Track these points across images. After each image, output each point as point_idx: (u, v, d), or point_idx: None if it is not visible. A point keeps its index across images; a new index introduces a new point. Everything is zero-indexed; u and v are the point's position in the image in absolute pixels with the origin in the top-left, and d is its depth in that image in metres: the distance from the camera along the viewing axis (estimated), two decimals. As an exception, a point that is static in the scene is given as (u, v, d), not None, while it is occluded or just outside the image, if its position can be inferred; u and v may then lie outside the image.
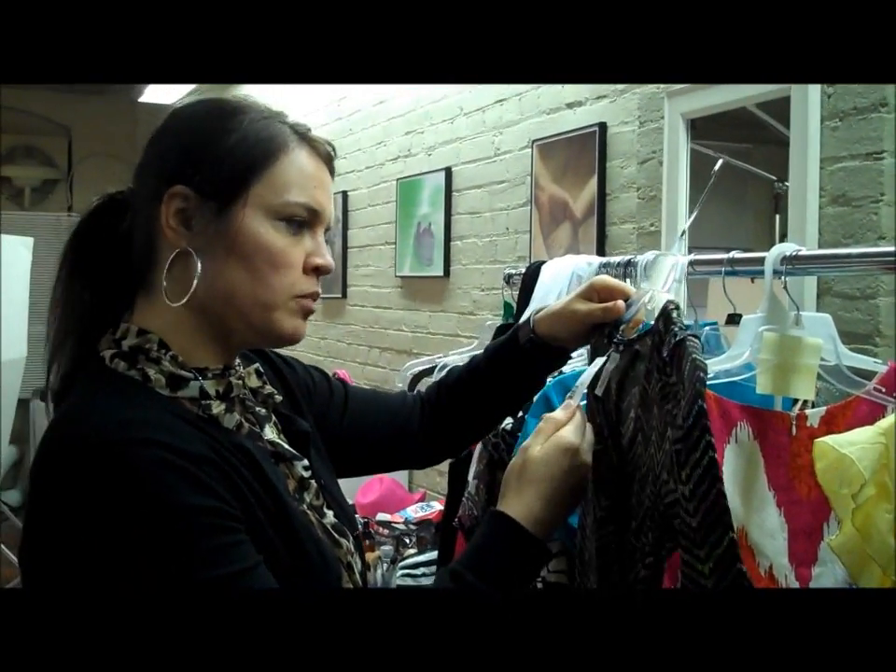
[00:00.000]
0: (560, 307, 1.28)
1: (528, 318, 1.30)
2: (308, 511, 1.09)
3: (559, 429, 1.10)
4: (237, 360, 1.11)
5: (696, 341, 1.04)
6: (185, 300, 1.00)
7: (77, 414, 0.96)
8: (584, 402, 1.16)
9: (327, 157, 1.08)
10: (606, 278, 1.28)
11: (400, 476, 3.75)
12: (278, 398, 1.14)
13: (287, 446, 1.10)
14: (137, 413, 0.93)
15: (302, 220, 1.04)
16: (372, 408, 1.34)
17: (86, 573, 0.89)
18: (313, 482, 1.11)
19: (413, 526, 2.96)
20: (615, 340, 1.18)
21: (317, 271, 1.05)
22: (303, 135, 1.06)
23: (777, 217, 2.21)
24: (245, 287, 1.01)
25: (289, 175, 1.03)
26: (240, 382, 1.07)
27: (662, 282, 1.24)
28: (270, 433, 1.09)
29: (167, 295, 1.01)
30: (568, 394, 1.15)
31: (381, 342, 4.10)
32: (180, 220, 1.01)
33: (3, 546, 4.80)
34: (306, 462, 1.11)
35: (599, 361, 1.18)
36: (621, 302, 1.22)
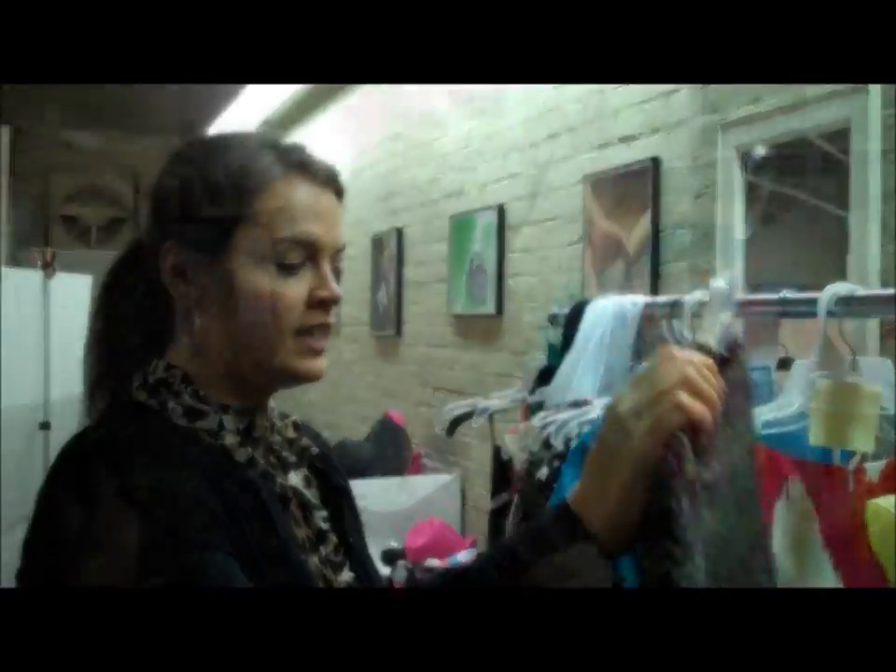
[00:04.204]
0: None
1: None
2: (320, 565, 1.04)
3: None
4: (272, 407, 1.08)
5: None
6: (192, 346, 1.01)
7: (82, 432, 0.97)
8: None
9: (325, 179, 1.03)
10: None
11: (453, 519, 3.67)
12: (315, 450, 1.12)
13: (309, 496, 1.07)
14: (137, 435, 0.94)
15: (297, 257, 0.99)
16: None
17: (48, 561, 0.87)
18: (332, 536, 1.07)
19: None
20: None
21: (322, 303, 1.01)
22: (293, 163, 1.01)
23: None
24: (245, 334, 0.99)
25: (273, 213, 0.99)
26: (267, 424, 1.05)
27: None
28: (294, 479, 1.06)
29: (181, 341, 1.03)
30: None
31: (434, 381, 4.04)
32: (176, 274, 1.01)
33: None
34: (325, 513, 1.07)
35: None
36: None
